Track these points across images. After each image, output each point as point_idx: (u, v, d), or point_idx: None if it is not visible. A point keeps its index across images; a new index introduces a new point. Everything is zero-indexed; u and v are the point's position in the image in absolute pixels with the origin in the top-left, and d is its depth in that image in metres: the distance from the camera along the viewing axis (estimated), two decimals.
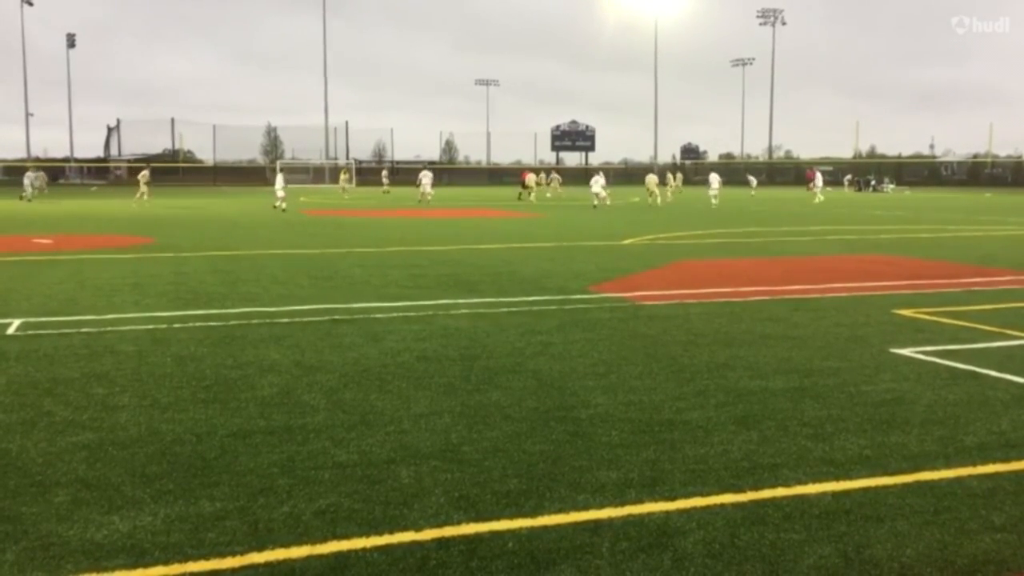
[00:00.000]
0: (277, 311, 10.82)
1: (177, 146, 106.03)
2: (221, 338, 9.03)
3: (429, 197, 48.62)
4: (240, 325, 9.80)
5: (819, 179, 57.36)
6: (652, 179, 49.41)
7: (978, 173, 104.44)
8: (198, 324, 9.88)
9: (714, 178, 47.86)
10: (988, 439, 5.85)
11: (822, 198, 53.23)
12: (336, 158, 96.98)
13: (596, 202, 42.17)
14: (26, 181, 48.82)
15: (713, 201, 44.97)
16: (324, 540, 4.23)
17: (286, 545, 4.18)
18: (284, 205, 38.03)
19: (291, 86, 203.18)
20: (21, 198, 46.83)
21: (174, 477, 5.06)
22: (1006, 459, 5.44)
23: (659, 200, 47.24)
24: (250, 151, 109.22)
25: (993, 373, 7.64)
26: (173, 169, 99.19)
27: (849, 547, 4.19)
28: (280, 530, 4.35)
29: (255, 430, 5.94)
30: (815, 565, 4.02)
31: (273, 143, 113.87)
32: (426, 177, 50.37)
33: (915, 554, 4.12)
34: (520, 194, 52.83)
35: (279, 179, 40.19)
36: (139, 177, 46.54)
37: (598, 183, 43.61)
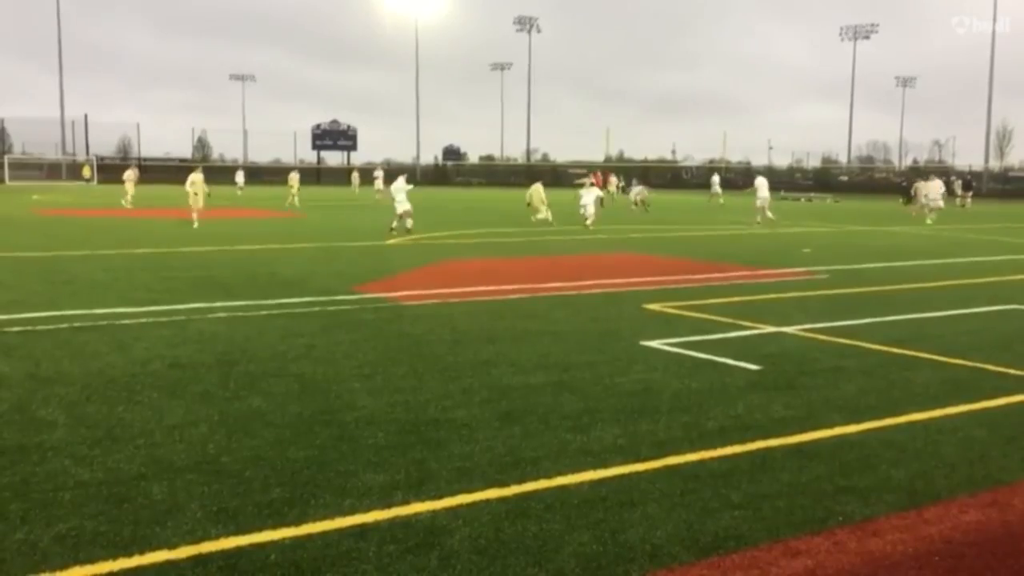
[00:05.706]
0: (6, 319, 9.85)
1: None
2: None
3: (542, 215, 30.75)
4: None
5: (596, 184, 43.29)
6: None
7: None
8: None
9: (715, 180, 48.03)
10: (726, 423, 6.35)
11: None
12: (74, 154, 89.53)
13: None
14: None
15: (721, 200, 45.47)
16: (65, 567, 3.89)
17: None
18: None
19: (19, 74, 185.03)
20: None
21: None
22: (742, 440, 5.92)
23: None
24: None
25: (730, 361, 8.30)
26: None
27: (605, 533, 4.39)
28: (14, 560, 3.96)
29: None
30: (575, 553, 4.18)
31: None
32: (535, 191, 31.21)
33: (665, 535, 4.38)
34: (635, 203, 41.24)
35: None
36: None
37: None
